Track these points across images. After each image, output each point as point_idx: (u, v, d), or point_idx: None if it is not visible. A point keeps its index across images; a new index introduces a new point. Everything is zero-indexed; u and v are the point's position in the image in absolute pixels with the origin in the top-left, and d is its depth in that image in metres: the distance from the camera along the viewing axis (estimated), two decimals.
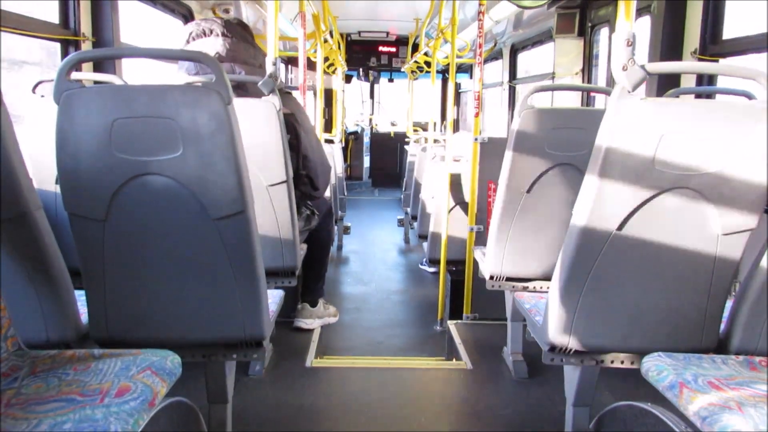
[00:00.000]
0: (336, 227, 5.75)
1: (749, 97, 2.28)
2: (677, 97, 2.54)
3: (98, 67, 3.01)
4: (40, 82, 2.48)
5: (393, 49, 10.65)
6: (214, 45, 2.54)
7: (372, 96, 11.66)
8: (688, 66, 2.68)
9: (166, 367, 1.38)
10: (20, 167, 1.41)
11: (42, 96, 2.46)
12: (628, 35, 1.50)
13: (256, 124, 2.31)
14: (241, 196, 1.58)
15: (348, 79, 10.58)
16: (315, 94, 5.13)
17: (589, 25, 4.62)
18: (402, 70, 10.31)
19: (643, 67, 1.50)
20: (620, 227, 1.60)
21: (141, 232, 1.61)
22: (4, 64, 2.97)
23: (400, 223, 6.92)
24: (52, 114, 1.54)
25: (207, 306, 1.68)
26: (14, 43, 2.95)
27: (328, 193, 3.39)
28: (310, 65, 4.79)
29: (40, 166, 2.34)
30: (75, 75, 1.54)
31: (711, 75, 2.99)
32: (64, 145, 1.52)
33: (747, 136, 1.52)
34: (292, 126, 2.66)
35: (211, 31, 2.57)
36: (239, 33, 2.64)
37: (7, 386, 1.29)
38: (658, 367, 1.45)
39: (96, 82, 2.71)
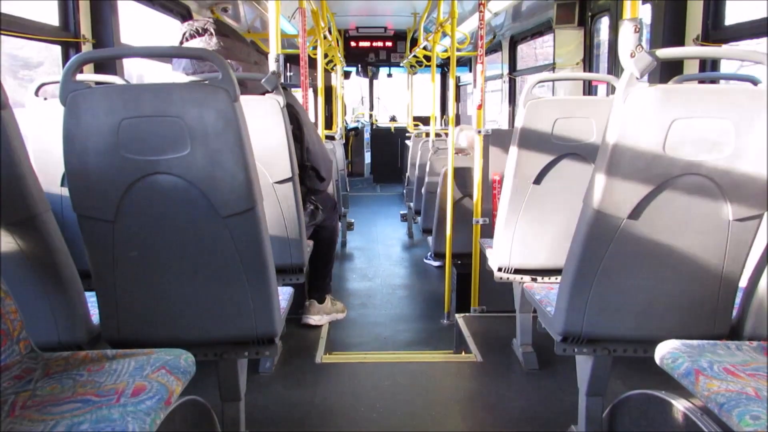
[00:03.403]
0: (339, 224, 5.75)
1: (754, 82, 2.27)
2: (681, 83, 2.53)
3: (99, 68, 3.01)
4: (42, 84, 2.47)
5: (391, 44, 10.62)
6: (208, 44, 2.54)
7: (371, 91, 11.65)
8: (697, 51, 2.66)
9: (180, 365, 1.37)
10: (28, 170, 1.40)
11: (45, 98, 2.45)
12: (635, 22, 1.49)
13: (261, 121, 2.30)
14: (249, 193, 1.57)
15: (347, 75, 10.56)
16: (315, 91, 5.12)
17: (589, 14, 4.60)
18: (401, 65, 10.29)
19: (652, 53, 1.49)
20: (631, 215, 1.59)
21: (151, 232, 1.61)
22: None
23: (403, 218, 6.91)
24: (56, 115, 1.53)
25: (218, 304, 1.68)
26: None
27: (331, 188, 3.39)
28: (310, 62, 4.77)
29: (45, 168, 2.34)
30: (78, 76, 1.54)
31: (714, 61, 2.98)
32: (71, 147, 1.51)
33: (757, 121, 1.51)
34: (294, 117, 2.66)
35: (205, 30, 2.58)
36: (232, 31, 2.65)
37: (21, 388, 1.28)
38: (673, 355, 1.44)
39: (98, 83, 2.70)
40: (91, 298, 1.66)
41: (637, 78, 1.51)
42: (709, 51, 2.63)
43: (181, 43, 2.58)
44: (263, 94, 2.36)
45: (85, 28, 2.95)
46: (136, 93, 1.53)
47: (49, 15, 2.84)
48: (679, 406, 1.47)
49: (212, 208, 1.56)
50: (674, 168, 1.55)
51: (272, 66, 2.36)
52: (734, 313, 1.72)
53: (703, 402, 1.31)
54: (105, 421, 1.13)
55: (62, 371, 1.36)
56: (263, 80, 2.31)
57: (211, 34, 2.57)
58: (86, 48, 2.94)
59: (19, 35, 2.58)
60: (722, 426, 1.33)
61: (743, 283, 1.70)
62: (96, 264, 1.63)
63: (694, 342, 1.51)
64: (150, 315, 1.69)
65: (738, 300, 1.71)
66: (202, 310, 1.69)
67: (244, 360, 1.87)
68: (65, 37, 2.87)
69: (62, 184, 2.26)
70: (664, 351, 1.49)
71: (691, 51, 2.70)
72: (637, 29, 1.48)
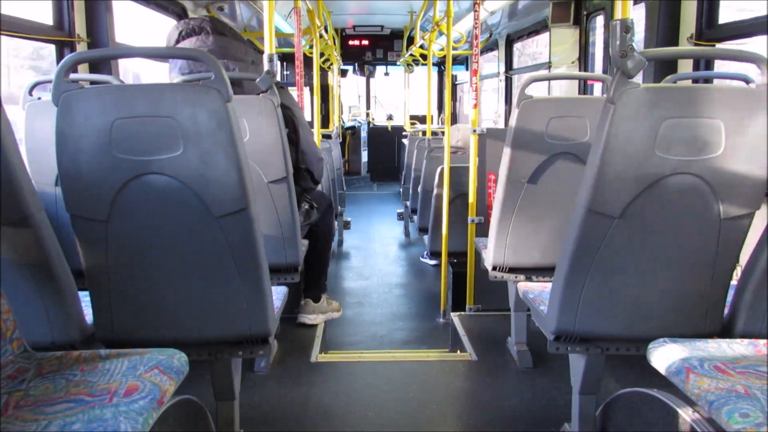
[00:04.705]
0: (336, 222, 5.75)
1: (747, 81, 2.28)
2: (675, 83, 2.54)
3: (94, 68, 3.00)
4: (36, 84, 2.47)
5: (388, 43, 10.63)
6: (205, 42, 2.53)
7: (368, 90, 11.65)
8: (687, 51, 2.67)
9: (173, 365, 1.37)
10: (21, 170, 1.40)
11: (39, 98, 2.44)
12: (626, 22, 1.50)
13: (256, 120, 2.30)
14: (242, 193, 1.57)
15: (343, 73, 10.57)
16: (311, 89, 5.13)
17: (585, 13, 4.61)
18: (398, 63, 10.30)
19: (642, 53, 1.50)
20: (622, 214, 1.60)
21: (143, 232, 1.61)
22: None
23: (400, 216, 6.92)
24: (50, 115, 1.53)
25: (212, 304, 1.68)
26: None
27: (326, 187, 3.39)
28: (306, 61, 4.78)
29: (40, 168, 2.33)
30: (72, 76, 1.54)
31: (708, 60, 2.99)
32: (64, 147, 1.52)
33: (747, 121, 1.52)
34: (290, 120, 2.66)
35: (201, 29, 2.56)
36: (229, 29, 2.63)
37: (14, 388, 1.29)
38: (664, 353, 1.45)
39: (93, 83, 2.70)
40: (85, 298, 1.67)
41: (629, 78, 1.51)
42: (699, 51, 2.64)
43: (177, 42, 2.56)
44: (259, 93, 2.36)
45: (80, 27, 2.95)
46: (128, 93, 1.53)
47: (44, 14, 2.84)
48: (671, 404, 1.48)
49: (205, 208, 1.57)
50: (665, 167, 1.55)
51: (266, 65, 2.36)
52: (726, 311, 1.73)
53: (694, 400, 1.32)
54: (97, 420, 1.14)
55: (55, 371, 1.37)
56: (257, 80, 2.31)
57: (207, 32, 2.55)
58: (81, 47, 2.94)
59: (13, 34, 2.58)
60: (713, 424, 1.34)
61: (735, 281, 1.71)
62: (89, 264, 1.63)
63: (685, 340, 1.52)
64: (143, 314, 1.69)
65: (730, 298, 1.72)
66: (196, 310, 1.69)
67: (238, 359, 1.87)
68: (60, 36, 2.87)
69: (57, 184, 2.26)
70: (656, 349, 1.50)
71: (681, 51, 2.70)
72: (628, 29, 1.48)
